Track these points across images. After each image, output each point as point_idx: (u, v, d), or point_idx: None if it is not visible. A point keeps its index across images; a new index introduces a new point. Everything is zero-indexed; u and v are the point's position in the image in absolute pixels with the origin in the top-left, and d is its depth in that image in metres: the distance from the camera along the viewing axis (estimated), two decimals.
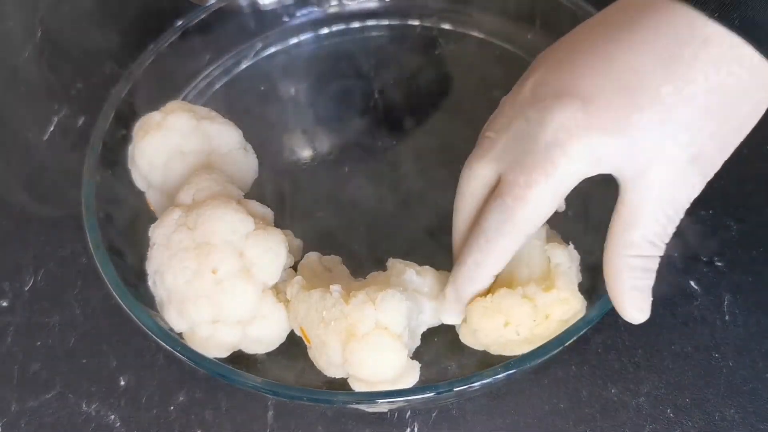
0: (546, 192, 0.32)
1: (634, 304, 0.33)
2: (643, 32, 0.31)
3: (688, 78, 0.30)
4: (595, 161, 0.32)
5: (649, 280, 0.33)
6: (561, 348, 0.35)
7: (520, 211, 0.33)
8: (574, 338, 0.35)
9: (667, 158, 0.31)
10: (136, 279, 0.40)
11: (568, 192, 0.33)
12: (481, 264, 0.35)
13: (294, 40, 0.57)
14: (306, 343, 0.37)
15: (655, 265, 0.33)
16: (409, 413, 0.40)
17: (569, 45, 0.34)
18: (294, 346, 0.39)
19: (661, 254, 0.33)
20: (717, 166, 0.32)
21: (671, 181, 0.31)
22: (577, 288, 0.36)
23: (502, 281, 0.36)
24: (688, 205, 0.32)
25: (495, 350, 0.37)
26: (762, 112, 0.32)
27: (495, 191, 0.34)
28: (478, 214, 0.35)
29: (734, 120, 0.31)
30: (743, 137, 0.32)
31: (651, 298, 0.34)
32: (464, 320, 0.37)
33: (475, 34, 0.56)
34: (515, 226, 0.33)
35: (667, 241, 0.33)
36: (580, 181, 0.33)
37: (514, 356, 0.36)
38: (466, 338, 0.38)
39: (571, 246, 0.38)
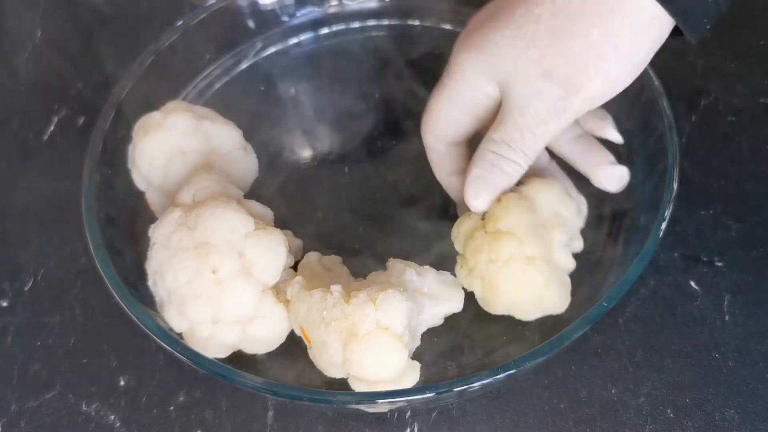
0: (442, 104, 0.39)
1: (474, 188, 0.38)
2: None
3: (538, 1, 0.35)
4: (474, 74, 0.37)
5: (496, 176, 0.38)
6: (561, 348, 0.35)
7: (427, 120, 0.40)
8: (574, 338, 0.35)
9: (521, 71, 0.35)
10: (136, 279, 0.40)
11: (470, 109, 0.39)
12: (437, 173, 0.43)
13: (294, 40, 0.57)
14: (306, 343, 0.37)
15: (507, 166, 0.38)
16: (409, 413, 0.40)
17: None
18: (294, 346, 0.39)
19: (516, 161, 0.38)
20: (583, 88, 0.35)
21: (527, 92, 0.36)
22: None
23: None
24: (551, 122, 0.36)
25: (479, 294, 0.38)
26: (630, 44, 0.34)
27: None
28: None
29: (585, 41, 0.34)
30: (615, 69, 0.34)
31: (493, 194, 0.38)
32: (461, 256, 0.39)
33: None
34: (429, 134, 0.41)
35: (523, 149, 0.37)
36: (484, 100, 0.38)
37: (517, 356, 0.36)
38: (461, 275, 0.39)
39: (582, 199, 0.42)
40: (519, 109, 0.36)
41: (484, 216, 0.39)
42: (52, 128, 0.55)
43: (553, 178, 0.41)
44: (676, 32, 0.35)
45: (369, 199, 0.48)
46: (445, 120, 0.40)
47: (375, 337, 0.34)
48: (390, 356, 0.34)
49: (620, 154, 0.43)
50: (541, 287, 0.37)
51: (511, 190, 0.39)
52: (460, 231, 0.39)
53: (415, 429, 0.40)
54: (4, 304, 0.46)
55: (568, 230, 0.39)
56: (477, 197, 0.38)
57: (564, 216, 0.39)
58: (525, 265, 0.37)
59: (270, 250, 0.38)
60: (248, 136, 0.47)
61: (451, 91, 0.39)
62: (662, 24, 0.33)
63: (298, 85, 0.55)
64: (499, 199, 0.38)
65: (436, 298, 0.38)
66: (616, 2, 0.33)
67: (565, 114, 0.36)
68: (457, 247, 0.40)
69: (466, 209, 0.39)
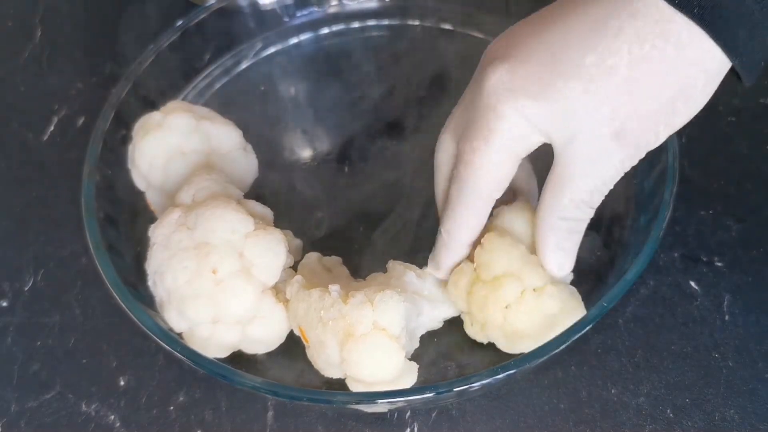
0: (489, 156, 0.34)
1: (556, 261, 0.36)
2: (578, 3, 0.32)
3: (611, 49, 0.30)
4: (527, 125, 0.32)
5: (574, 242, 0.36)
6: (561, 348, 0.35)
7: (471, 178, 0.35)
8: (574, 338, 0.35)
9: (591, 130, 0.32)
10: (136, 279, 0.40)
11: (518, 159, 0.34)
12: (451, 232, 0.37)
13: (294, 40, 0.57)
14: (304, 342, 0.37)
15: (581, 227, 0.35)
16: (409, 413, 0.40)
17: (521, 22, 0.35)
18: (294, 346, 0.39)
19: (588, 218, 0.35)
20: (649, 146, 0.32)
21: (595, 154, 0.32)
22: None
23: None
24: (617, 179, 0.33)
25: (501, 343, 0.37)
26: (700, 94, 0.31)
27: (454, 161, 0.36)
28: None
29: (660, 98, 0.31)
30: (681, 121, 0.32)
31: (574, 258, 0.36)
32: (468, 313, 0.38)
33: (475, 34, 0.56)
34: (471, 193, 0.35)
35: (594, 207, 0.34)
36: (529, 150, 0.34)
37: (517, 355, 0.36)
38: (474, 332, 0.38)
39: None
40: (585, 171, 0.33)
41: (472, 258, 0.37)
42: (52, 128, 0.55)
43: (519, 199, 0.40)
44: None
45: (369, 199, 0.48)
46: (486, 170, 0.34)
47: (372, 337, 0.34)
48: (386, 357, 0.34)
49: None
50: (559, 309, 0.36)
51: (487, 228, 0.38)
52: (458, 291, 0.37)
53: (415, 429, 0.40)
54: (4, 304, 0.46)
55: None
56: (563, 269, 0.36)
57: None
58: (536, 298, 0.35)
59: (270, 250, 0.38)
60: (248, 136, 0.47)
61: (503, 137, 0.33)
62: (724, 71, 0.31)
63: (298, 85, 0.55)
64: (481, 244, 0.37)
65: (435, 301, 0.38)
66: (695, 55, 0.30)
67: (627, 169, 0.33)
68: (460, 306, 0.38)
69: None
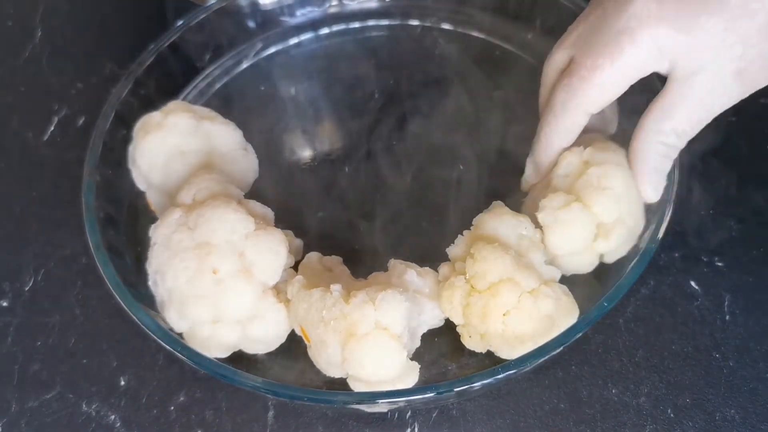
0: (609, 76, 0.36)
1: (652, 182, 0.38)
2: None
3: None
4: (658, 53, 0.34)
5: (667, 166, 0.38)
6: (561, 348, 0.35)
7: (582, 91, 0.37)
8: (574, 338, 0.35)
9: (718, 66, 0.34)
10: (136, 279, 0.40)
11: (631, 82, 0.36)
12: (549, 137, 0.40)
13: (294, 40, 0.57)
14: (306, 342, 0.37)
15: (674, 155, 0.37)
16: (409, 413, 0.40)
17: None
18: (294, 346, 0.39)
19: (682, 147, 0.37)
20: (760, 86, 0.35)
21: (714, 87, 0.35)
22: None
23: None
24: (719, 112, 0.36)
25: (502, 350, 0.37)
26: None
27: (564, 72, 0.39)
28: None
29: None
30: None
31: (665, 183, 0.38)
32: (466, 326, 0.37)
33: (475, 34, 0.56)
34: (578, 105, 0.37)
35: (690, 137, 0.37)
36: (641, 77, 0.35)
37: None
38: (473, 344, 0.38)
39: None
40: (697, 103, 0.35)
41: (463, 271, 0.37)
42: (52, 128, 0.55)
43: (495, 205, 0.40)
44: None
45: (369, 199, 0.48)
46: (600, 88, 0.36)
47: (374, 337, 0.34)
48: (388, 356, 0.34)
49: None
50: (555, 308, 0.36)
51: (474, 237, 0.38)
52: (453, 306, 0.37)
53: (415, 429, 0.40)
54: (4, 304, 0.46)
55: (537, 245, 0.38)
56: (657, 190, 0.38)
57: (526, 234, 0.38)
58: (533, 300, 0.36)
59: (270, 250, 0.38)
60: (248, 136, 0.47)
61: (629, 60, 0.35)
62: None
63: (298, 85, 0.55)
64: (471, 255, 0.37)
65: (436, 299, 0.38)
66: None
67: (729, 105, 0.36)
68: (456, 320, 0.38)
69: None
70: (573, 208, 0.38)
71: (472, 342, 0.38)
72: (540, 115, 0.41)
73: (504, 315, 0.36)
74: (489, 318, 0.36)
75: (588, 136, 0.41)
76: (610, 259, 0.39)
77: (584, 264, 0.39)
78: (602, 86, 0.36)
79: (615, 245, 0.38)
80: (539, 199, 0.40)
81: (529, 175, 0.43)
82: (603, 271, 0.41)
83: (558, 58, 0.40)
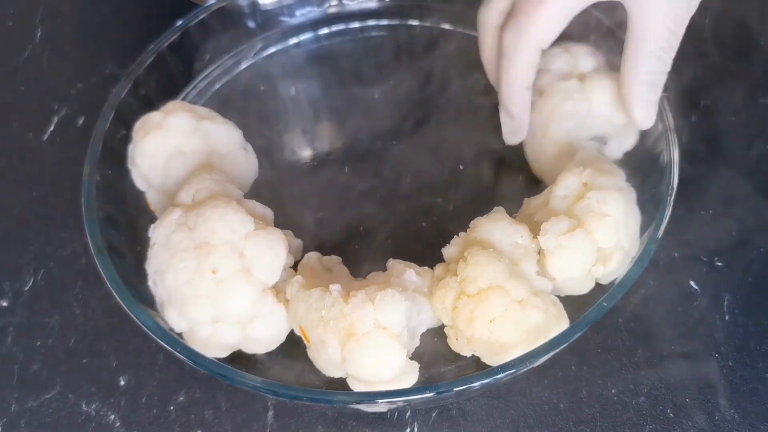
0: (555, 8, 0.37)
1: (642, 112, 0.39)
2: None
3: None
4: None
5: (656, 95, 0.39)
6: (561, 348, 0.35)
7: (532, 26, 0.37)
8: (574, 338, 0.35)
9: None
10: (136, 279, 0.40)
11: (575, 12, 0.37)
12: (511, 82, 0.40)
13: (294, 40, 0.57)
14: (305, 342, 0.37)
15: (661, 81, 0.38)
16: (409, 413, 0.40)
17: None
18: (294, 346, 0.39)
19: (667, 71, 0.38)
20: None
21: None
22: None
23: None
24: (688, 19, 0.36)
25: (486, 356, 0.37)
26: None
27: (509, 14, 0.39)
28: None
29: None
30: None
31: (657, 109, 0.40)
32: (453, 328, 0.37)
33: (475, 34, 0.56)
34: (528, 42, 0.38)
35: (672, 55, 0.37)
36: (584, 6, 0.36)
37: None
38: (458, 346, 0.38)
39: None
40: (662, 16, 0.36)
41: (455, 273, 0.37)
42: (52, 128, 0.55)
43: (497, 211, 0.40)
44: None
45: (369, 199, 0.48)
46: (547, 21, 0.38)
47: (373, 336, 0.34)
48: (388, 356, 0.34)
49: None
50: (542, 320, 0.36)
51: (469, 239, 0.38)
52: (444, 305, 0.37)
53: (415, 429, 0.40)
54: (4, 304, 0.46)
55: (531, 255, 0.38)
56: (649, 120, 0.40)
57: (521, 243, 0.38)
58: (521, 310, 0.35)
59: (270, 250, 0.38)
60: (248, 136, 0.47)
61: None
62: None
63: (298, 85, 0.55)
64: (464, 258, 0.37)
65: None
66: None
67: (694, 11, 0.36)
68: (445, 320, 0.38)
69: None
70: (577, 235, 0.37)
71: (458, 345, 0.38)
72: (491, 73, 0.43)
73: (490, 321, 0.35)
74: (475, 323, 0.35)
75: (587, 155, 0.41)
76: (605, 281, 0.39)
77: (581, 287, 0.39)
78: (549, 19, 0.37)
79: (612, 270, 0.38)
80: (535, 214, 0.39)
81: (507, 130, 0.43)
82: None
83: (495, 4, 0.40)
